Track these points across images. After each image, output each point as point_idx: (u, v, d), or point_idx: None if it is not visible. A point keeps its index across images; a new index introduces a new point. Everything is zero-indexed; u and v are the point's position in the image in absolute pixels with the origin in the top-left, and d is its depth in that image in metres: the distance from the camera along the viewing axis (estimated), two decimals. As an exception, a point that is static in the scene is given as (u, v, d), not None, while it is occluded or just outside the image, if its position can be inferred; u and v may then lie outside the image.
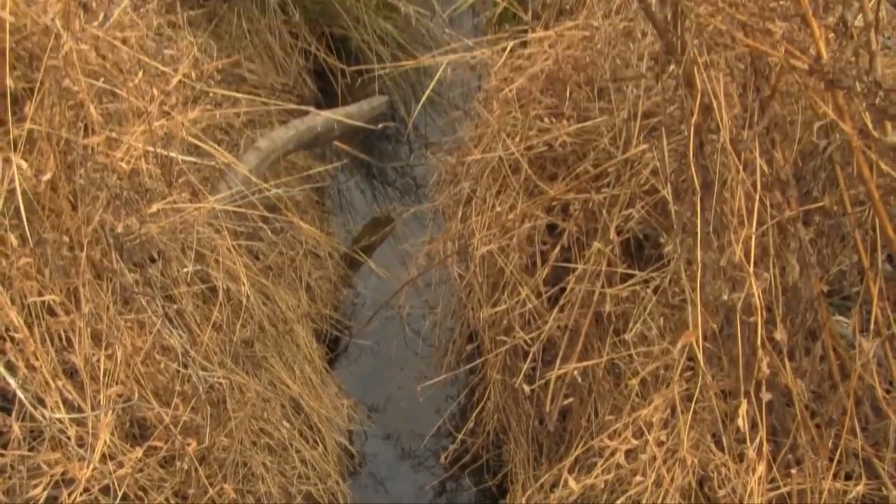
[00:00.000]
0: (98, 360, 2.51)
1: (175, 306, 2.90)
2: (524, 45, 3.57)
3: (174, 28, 3.49)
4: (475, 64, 3.65)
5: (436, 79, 3.80)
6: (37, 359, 2.38)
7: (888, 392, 2.35)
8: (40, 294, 2.45)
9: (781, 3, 2.26)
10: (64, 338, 2.50)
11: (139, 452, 2.49)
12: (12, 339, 2.36)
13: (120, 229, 2.66)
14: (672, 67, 2.45)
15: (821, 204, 2.44)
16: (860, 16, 2.19)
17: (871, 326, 2.32)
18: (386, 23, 4.83)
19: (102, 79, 2.73)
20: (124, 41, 2.81)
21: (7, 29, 2.40)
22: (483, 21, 4.83)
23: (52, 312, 2.49)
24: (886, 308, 2.29)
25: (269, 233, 3.63)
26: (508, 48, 3.53)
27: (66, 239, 2.53)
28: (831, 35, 2.22)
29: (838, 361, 2.44)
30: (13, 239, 2.39)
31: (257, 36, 4.59)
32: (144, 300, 2.76)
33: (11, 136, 2.40)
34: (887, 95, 2.11)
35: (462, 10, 4.97)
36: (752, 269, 2.21)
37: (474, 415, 3.45)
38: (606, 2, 3.33)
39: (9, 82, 2.40)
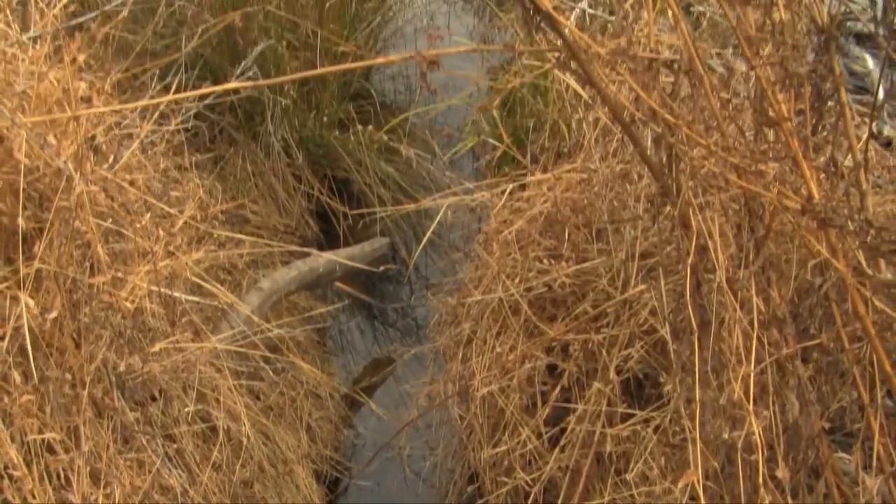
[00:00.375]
0: (96, 500, 2.49)
1: (175, 445, 2.89)
2: (523, 187, 3.64)
3: (181, 170, 3.56)
4: (475, 206, 3.71)
5: (436, 221, 3.85)
6: (34, 497, 2.37)
7: (893, 530, 2.33)
8: (41, 431, 2.44)
9: (772, 145, 2.31)
10: (63, 476, 2.49)
11: None
12: (10, 477, 2.35)
13: (122, 368, 2.67)
14: (668, 209, 2.50)
15: (818, 341, 2.44)
16: (849, 156, 2.25)
17: (874, 463, 2.31)
18: (387, 166, 4.91)
19: (110, 219, 2.78)
20: (132, 183, 2.88)
21: (22, 171, 2.47)
22: (483, 164, 4.91)
23: (51, 450, 2.48)
24: (888, 444, 2.28)
25: (271, 373, 3.63)
26: (508, 191, 3.59)
27: (68, 377, 2.54)
28: (822, 175, 2.27)
29: (842, 499, 2.42)
30: (16, 376, 2.40)
31: (261, 178, 4.68)
32: (144, 439, 2.76)
33: (21, 275, 2.44)
34: (879, 233, 2.15)
35: (462, 154, 5.07)
36: (751, 407, 2.21)
37: (476, 557, 3.40)
38: (603, 145, 3.41)
39: (20, 222, 2.45)
